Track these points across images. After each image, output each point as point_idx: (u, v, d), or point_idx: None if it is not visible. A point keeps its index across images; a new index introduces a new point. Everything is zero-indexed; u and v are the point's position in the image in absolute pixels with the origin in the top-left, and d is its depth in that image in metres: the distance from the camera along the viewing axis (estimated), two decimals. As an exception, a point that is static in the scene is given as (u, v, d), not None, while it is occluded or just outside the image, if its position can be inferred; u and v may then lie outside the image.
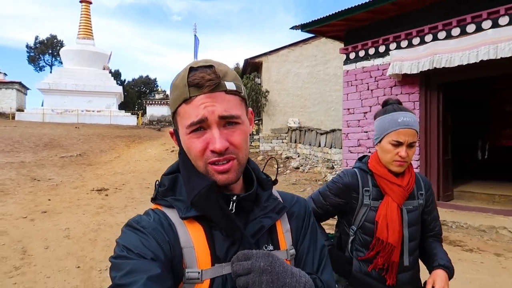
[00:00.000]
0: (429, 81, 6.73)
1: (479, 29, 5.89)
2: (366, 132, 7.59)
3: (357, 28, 7.79)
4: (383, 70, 7.23)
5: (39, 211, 6.70)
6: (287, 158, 13.48)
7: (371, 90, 7.51)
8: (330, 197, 1.57)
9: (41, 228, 5.66)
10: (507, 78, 6.69)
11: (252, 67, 15.86)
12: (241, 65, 16.14)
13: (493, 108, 9.59)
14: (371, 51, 7.50)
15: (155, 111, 32.55)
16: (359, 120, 7.73)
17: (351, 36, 7.97)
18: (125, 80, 49.42)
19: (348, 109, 7.95)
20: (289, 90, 15.18)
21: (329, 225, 3.79)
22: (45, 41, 43.97)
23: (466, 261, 4.30)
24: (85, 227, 5.75)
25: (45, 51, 43.97)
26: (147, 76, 52.59)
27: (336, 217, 1.69)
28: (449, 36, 6.26)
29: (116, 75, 44.41)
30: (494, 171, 8.56)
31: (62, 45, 40.50)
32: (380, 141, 1.50)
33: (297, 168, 11.58)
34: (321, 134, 11.64)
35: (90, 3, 30.42)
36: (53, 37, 44.43)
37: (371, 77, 7.53)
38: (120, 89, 29.85)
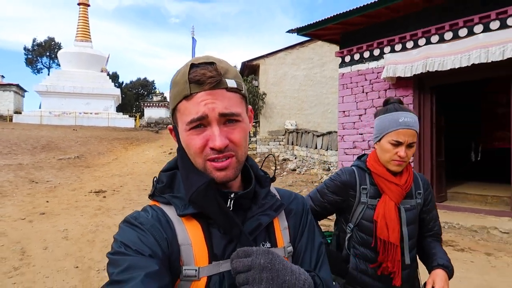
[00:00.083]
0: (422, 84, 6.85)
1: (471, 33, 6.01)
2: (361, 134, 7.69)
3: (352, 32, 7.91)
4: (378, 73, 7.35)
5: (37, 213, 6.76)
6: (284, 160, 13.57)
7: (366, 93, 7.62)
8: (328, 195, 1.58)
9: (39, 230, 5.72)
10: (499, 82, 6.82)
11: (250, 69, 15.96)
12: (238, 67, 16.23)
13: (485, 111, 9.74)
14: (366, 54, 7.62)
15: (153, 113, 32.57)
16: (354, 123, 7.84)
17: (347, 39, 8.09)
18: (123, 83, 49.47)
19: (344, 111, 8.06)
20: (286, 93, 15.27)
21: (325, 226, 3.87)
22: (43, 44, 43.96)
23: (457, 260, 4.39)
24: (83, 228, 5.82)
25: (43, 54, 43.94)
26: (145, 78, 52.67)
27: (334, 215, 1.70)
28: (441, 40, 6.38)
29: (114, 77, 44.47)
30: (487, 173, 8.68)
31: (60, 48, 40.55)
32: (379, 140, 1.50)
33: (294, 170, 11.68)
34: (318, 136, 11.74)
35: (88, 5, 30.48)
36: (51, 39, 44.44)
37: (366, 80, 7.64)
38: (118, 91, 29.88)
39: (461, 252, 4.74)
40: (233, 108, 0.72)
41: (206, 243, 0.73)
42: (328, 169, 10.45)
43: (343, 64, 8.10)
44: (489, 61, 5.52)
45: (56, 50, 40.72)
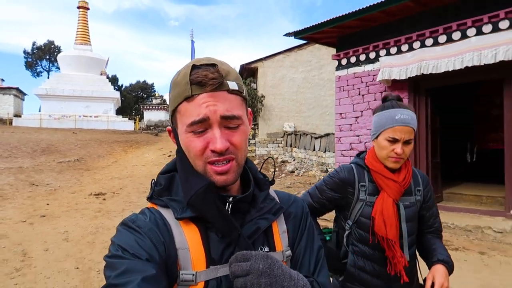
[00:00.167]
0: (417, 86, 6.95)
1: (464, 36, 6.11)
2: (358, 136, 7.79)
3: (349, 35, 8.01)
4: (374, 75, 7.44)
5: (38, 215, 6.84)
6: (283, 162, 13.66)
7: (362, 95, 7.72)
8: (327, 192, 1.58)
9: (40, 232, 5.80)
10: (492, 84, 6.94)
11: (248, 72, 16.07)
12: (237, 70, 16.35)
13: (478, 113, 9.90)
14: (362, 57, 7.72)
15: (152, 116, 32.69)
16: (351, 125, 7.93)
17: (343, 42, 8.19)
18: (122, 86, 49.63)
19: (340, 113, 8.16)
20: (285, 95, 15.38)
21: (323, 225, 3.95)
22: (43, 47, 44.13)
23: (450, 259, 4.48)
24: (84, 230, 5.90)
25: (42, 57, 44.11)
26: (144, 81, 52.87)
27: (333, 212, 1.70)
28: (436, 43, 6.48)
29: (114, 80, 44.62)
30: (482, 174, 8.78)
31: (59, 51, 40.71)
32: (376, 137, 1.51)
33: (292, 171, 11.77)
34: (316, 138, 11.84)
35: (88, 9, 30.67)
36: (51, 42, 44.62)
37: (362, 82, 7.74)
38: (117, 94, 30.01)
39: (455, 251, 4.82)
40: (234, 110, 0.72)
41: (203, 247, 0.72)
42: (326, 171, 10.53)
43: (339, 67, 8.21)
44: (482, 63, 5.61)
45: (55, 53, 40.86)
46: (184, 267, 0.71)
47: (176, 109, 0.74)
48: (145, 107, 33.80)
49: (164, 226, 0.73)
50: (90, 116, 27.32)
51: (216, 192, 0.73)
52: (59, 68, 32.15)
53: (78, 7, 30.22)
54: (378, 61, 7.29)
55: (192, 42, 22.05)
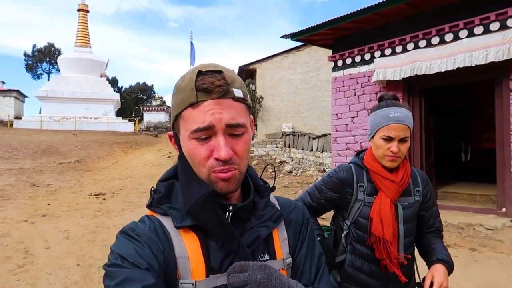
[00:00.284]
0: (411, 87, 7.08)
1: (456, 38, 6.25)
2: (354, 136, 7.91)
3: (344, 37, 8.15)
4: (369, 76, 7.58)
5: (39, 215, 6.95)
6: (281, 162, 13.79)
7: (358, 96, 7.85)
8: (325, 192, 1.58)
9: (41, 230, 5.92)
10: (484, 85, 7.08)
11: (247, 73, 16.21)
12: (236, 71, 16.51)
13: (472, 114, 10.06)
14: (357, 58, 7.86)
15: (152, 117, 32.79)
16: (347, 125, 8.06)
17: (339, 44, 8.33)
18: (122, 87, 49.78)
19: (337, 114, 8.29)
20: (283, 96, 15.52)
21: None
22: (43, 49, 44.31)
23: (441, 255, 4.60)
24: (84, 229, 6.01)
25: (42, 59, 44.29)
26: (144, 83, 53.04)
27: (333, 211, 1.71)
28: (429, 45, 6.62)
29: (113, 82, 44.77)
30: (476, 173, 8.91)
31: (59, 53, 40.86)
32: (373, 137, 1.51)
33: (290, 172, 11.89)
34: (313, 138, 11.97)
35: (87, 11, 30.85)
36: (51, 45, 44.80)
37: (357, 83, 7.87)
38: (117, 96, 30.16)
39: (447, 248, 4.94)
40: (239, 118, 0.71)
41: (203, 256, 0.72)
42: (323, 171, 10.66)
43: (335, 68, 8.34)
44: (473, 64, 5.74)
45: (56, 55, 41.05)
46: (183, 276, 0.70)
47: (179, 114, 0.73)
48: (145, 108, 33.90)
49: (163, 235, 0.72)
50: (90, 118, 27.46)
51: (216, 201, 0.72)
52: (59, 70, 32.29)
53: (78, 10, 30.41)
54: (373, 62, 7.42)
55: (192, 44, 22.20)
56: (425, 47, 6.65)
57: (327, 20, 7.81)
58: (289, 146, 14.39)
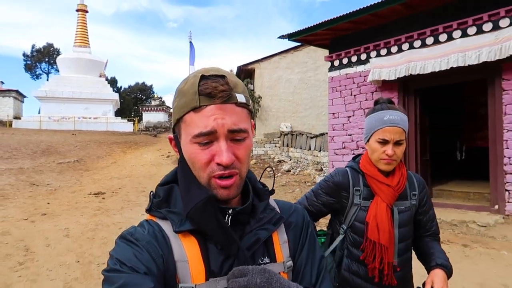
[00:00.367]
0: (406, 86, 7.18)
1: (450, 38, 6.35)
2: (350, 135, 8.01)
3: (341, 37, 8.25)
4: (365, 76, 7.67)
5: (39, 214, 7.04)
6: (279, 161, 13.89)
7: (354, 96, 7.95)
8: (322, 196, 1.59)
9: (41, 229, 6.00)
10: (478, 84, 7.19)
11: (245, 73, 16.30)
12: (234, 72, 16.61)
13: (466, 113, 10.20)
14: (354, 58, 7.96)
15: (151, 117, 32.86)
16: (343, 124, 8.16)
17: (335, 44, 8.42)
18: (121, 87, 49.84)
19: (333, 113, 8.38)
20: (281, 96, 15.60)
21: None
22: (42, 50, 44.37)
23: (434, 251, 4.70)
24: (84, 227, 6.10)
25: (41, 59, 44.35)
26: (143, 83, 53.10)
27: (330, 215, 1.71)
28: (423, 45, 6.71)
29: (113, 82, 44.81)
30: (471, 171, 9.02)
31: (58, 53, 40.90)
32: (368, 140, 1.52)
33: (288, 171, 11.99)
34: (311, 137, 12.07)
35: (86, 11, 30.90)
36: (50, 45, 44.86)
37: (354, 83, 7.97)
38: (116, 96, 30.23)
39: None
40: (241, 124, 0.72)
41: (203, 259, 0.72)
42: (321, 170, 10.76)
43: (332, 68, 8.44)
44: (466, 64, 5.85)
45: (55, 55, 41.11)
46: (183, 280, 0.70)
47: (181, 118, 0.73)
48: (144, 108, 33.98)
49: (162, 239, 0.72)
50: (89, 118, 27.53)
51: (216, 205, 0.72)
52: (58, 71, 32.39)
53: (77, 10, 30.46)
54: (369, 62, 7.52)
55: (191, 44, 22.26)
56: (419, 47, 6.75)
57: (324, 21, 7.90)
58: (287, 146, 14.48)
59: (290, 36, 8.70)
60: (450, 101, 10.17)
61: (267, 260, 0.77)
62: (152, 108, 33.22)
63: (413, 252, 1.64)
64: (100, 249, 5.03)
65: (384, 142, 1.43)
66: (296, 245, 0.84)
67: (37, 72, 45.25)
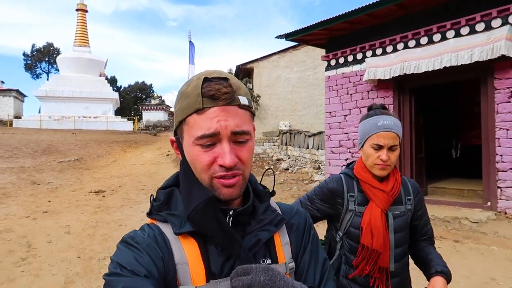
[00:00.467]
0: (401, 85, 7.30)
1: (444, 38, 6.46)
2: (347, 133, 8.13)
3: (337, 37, 8.35)
4: (361, 75, 7.79)
5: (41, 211, 7.16)
6: (278, 160, 14.02)
7: (350, 95, 8.07)
8: (316, 202, 1.59)
9: (43, 226, 6.13)
10: (472, 83, 7.30)
11: (244, 73, 16.41)
12: (233, 71, 16.73)
13: (461, 112, 10.33)
14: (350, 58, 8.07)
15: (151, 116, 32.98)
16: (340, 123, 8.27)
17: (332, 44, 8.53)
18: (121, 86, 50.00)
19: (330, 112, 8.50)
20: (280, 95, 15.72)
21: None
22: (42, 49, 44.50)
23: (426, 246, 4.82)
24: (84, 224, 6.22)
25: (41, 59, 44.49)
26: (143, 82, 53.28)
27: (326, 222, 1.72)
28: (418, 45, 6.83)
29: (112, 81, 44.95)
30: (466, 169, 9.15)
31: (58, 53, 41.04)
32: (362, 146, 1.52)
33: (287, 169, 12.11)
34: (309, 136, 12.19)
35: (86, 11, 31.02)
36: (50, 45, 45.00)
37: (350, 82, 8.08)
38: (116, 95, 30.36)
39: (431, 240, 5.16)
40: (244, 126, 0.72)
41: (203, 261, 0.72)
42: (318, 168, 10.88)
43: (329, 67, 8.55)
44: (459, 64, 5.96)
45: (55, 55, 41.24)
46: (183, 283, 0.70)
47: (184, 120, 0.73)
48: (144, 107, 34.09)
49: (163, 242, 0.72)
50: (90, 117, 27.67)
51: (217, 206, 0.72)
52: (58, 70, 32.53)
53: (77, 10, 30.58)
54: (365, 61, 7.63)
55: (191, 43, 22.36)
56: (414, 47, 6.86)
57: (320, 21, 8.01)
58: (286, 144, 14.60)
59: (287, 36, 8.81)
60: (445, 100, 10.31)
61: (268, 261, 0.77)
62: (152, 107, 33.34)
63: (409, 257, 1.65)
64: (101, 245, 5.15)
65: (378, 148, 1.44)
66: (298, 247, 0.84)
67: (37, 72, 45.45)
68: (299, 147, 13.12)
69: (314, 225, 1.56)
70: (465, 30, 6.21)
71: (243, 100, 0.72)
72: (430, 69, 6.29)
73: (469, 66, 5.98)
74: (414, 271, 1.64)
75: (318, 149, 11.36)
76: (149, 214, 0.78)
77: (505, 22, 5.77)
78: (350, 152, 8.04)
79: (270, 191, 0.85)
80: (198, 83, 0.71)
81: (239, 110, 0.72)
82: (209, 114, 0.69)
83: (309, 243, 0.85)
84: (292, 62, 15.87)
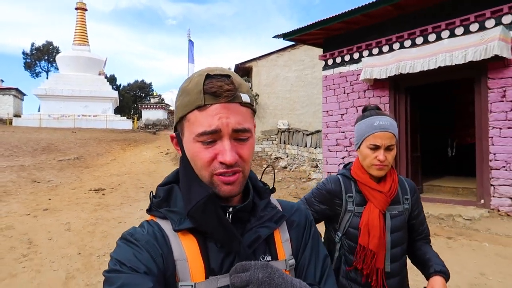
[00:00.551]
0: (397, 85, 7.39)
1: (438, 38, 6.55)
2: (343, 132, 8.22)
3: (334, 37, 8.44)
4: (358, 75, 7.88)
5: (41, 209, 7.26)
6: (276, 158, 14.11)
7: (347, 94, 8.16)
8: (315, 204, 1.59)
9: (44, 223, 6.22)
10: (467, 83, 7.40)
11: (243, 71, 16.49)
12: (232, 69, 16.81)
13: (457, 111, 10.45)
14: (347, 57, 8.16)
15: (150, 115, 33.04)
16: (337, 121, 8.37)
17: (329, 44, 8.62)
18: (120, 85, 49.97)
19: (327, 111, 8.59)
20: (279, 93, 15.80)
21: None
22: (41, 48, 44.52)
23: (419, 243, 4.93)
24: (84, 221, 6.32)
25: (41, 58, 44.51)
26: (143, 80, 53.25)
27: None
28: (413, 45, 6.92)
29: (112, 80, 44.98)
30: (461, 167, 9.27)
31: (58, 52, 41.08)
32: (359, 147, 1.53)
33: (285, 167, 12.21)
34: (307, 135, 12.29)
35: (85, 10, 31.05)
36: (49, 43, 45.01)
37: (347, 81, 8.18)
38: (115, 94, 30.42)
39: (425, 237, 5.26)
40: (245, 123, 0.72)
41: (202, 257, 0.72)
42: (316, 166, 10.98)
43: (326, 66, 8.64)
44: (453, 64, 6.05)
45: (54, 54, 41.26)
46: (182, 279, 0.70)
47: (185, 116, 0.73)
48: (143, 106, 34.14)
49: (162, 238, 0.72)
50: (89, 116, 27.74)
51: (217, 202, 0.72)
52: (57, 69, 32.55)
53: (76, 8, 30.61)
54: (362, 61, 7.72)
55: (190, 42, 22.40)
56: (410, 47, 6.95)
57: (317, 21, 8.09)
58: (284, 143, 14.70)
59: (285, 36, 8.90)
60: (441, 100, 10.43)
61: (268, 258, 0.77)
62: (151, 106, 33.39)
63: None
64: (101, 242, 5.25)
65: (375, 148, 1.45)
66: (299, 244, 0.84)
67: (37, 70, 45.47)
68: (298, 145, 13.22)
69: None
70: (459, 31, 6.30)
71: (245, 98, 0.72)
72: (425, 69, 6.38)
73: (463, 66, 6.08)
74: (410, 270, 1.65)
75: (316, 148, 11.46)
76: (149, 211, 0.78)
77: (498, 23, 5.86)
78: (347, 150, 8.14)
79: (270, 188, 0.85)
80: (200, 79, 0.71)
81: (241, 108, 0.72)
82: (210, 111, 0.69)
83: (309, 240, 0.85)
84: (291, 61, 15.95)
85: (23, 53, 44.91)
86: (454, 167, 9.76)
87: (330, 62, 8.53)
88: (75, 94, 27.69)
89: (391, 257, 1.49)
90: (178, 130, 0.78)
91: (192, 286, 0.69)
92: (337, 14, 7.66)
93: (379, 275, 1.46)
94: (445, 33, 6.48)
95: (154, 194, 0.80)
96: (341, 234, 1.54)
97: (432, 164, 9.48)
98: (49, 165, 12.96)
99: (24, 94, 33.00)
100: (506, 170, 5.90)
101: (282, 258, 0.79)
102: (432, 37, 6.65)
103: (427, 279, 1.46)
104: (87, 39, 30.77)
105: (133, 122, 30.81)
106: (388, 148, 1.45)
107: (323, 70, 8.73)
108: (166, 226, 0.74)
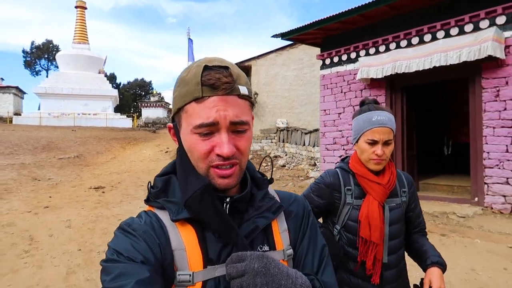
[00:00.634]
0: (393, 84, 7.48)
1: (434, 38, 6.64)
2: (341, 131, 8.32)
3: (331, 37, 8.52)
4: (355, 74, 7.97)
5: (42, 207, 7.36)
6: (275, 157, 14.20)
7: (344, 93, 8.25)
8: (314, 199, 1.59)
9: (44, 220, 6.33)
10: (463, 82, 7.48)
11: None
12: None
13: (452, 110, 10.54)
14: (344, 57, 8.24)
15: (150, 113, 33.08)
16: (334, 120, 8.46)
17: (327, 43, 8.70)
18: (120, 83, 50.03)
19: (325, 110, 8.68)
20: (277, 92, 15.88)
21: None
22: (41, 46, 44.55)
23: (413, 240, 5.02)
24: (85, 218, 6.42)
25: (41, 56, 44.55)
26: (142, 79, 53.31)
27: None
28: (409, 45, 7.01)
29: (112, 78, 45.05)
30: (457, 166, 9.37)
31: (58, 50, 41.14)
32: (357, 141, 1.53)
33: (284, 166, 12.30)
34: (306, 133, 12.38)
35: (85, 8, 31.07)
36: (49, 42, 45.03)
37: (344, 81, 8.27)
38: (115, 92, 30.48)
39: (419, 234, 5.36)
40: (243, 116, 0.71)
41: (200, 247, 0.72)
42: (314, 164, 11.08)
43: (323, 66, 8.72)
44: (448, 64, 6.14)
45: (54, 52, 41.31)
46: (180, 268, 0.70)
47: (182, 108, 0.72)
48: (143, 104, 34.18)
49: (160, 228, 0.72)
50: (89, 114, 27.81)
51: (213, 193, 0.72)
52: (57, 67, 32.62)
53: (76, 7, 30.64)
54: (359, 61, 7.80)
55: (190, 40, 22.45)
56: (406, 46, 7.04)
57: (315, 21, 8.18)
58: (283, 141, 14.79)
59: (283, 35, 8.98)
60: (436, 99, 10.52)
61: (266, 248, 0.77)
62: (151, 104, 33.43)
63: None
64: (101, 238, 5.35)
65: (373, 143, 1.46)
66: (297, 234, 0.84)
67: (37, 69, 45.52)
68: (296, 144, 13.31)
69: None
70: (454, 31, 6.39)
71: (243, 90, 0.72)
72: (421, 69, 6.47)
73: (458, 66, 6.17)
74: (409, 267, 1.68)
75: (314, 146, 11.55)
76: (147, 201, 0.78)
77: (492, 24, 5.95)
78: (344, 149, 8.23)
79: (268, 178, 0.85)
80: (198, 70, 0.70)
81: (239, 100, 0.71)
82: (208, 103, 0.69)
83: (307, 229, 0.85)
84: (290, 60, 16.02)
85: (23, 51, 45.08)
86: (450, 166, 9.88)
87: (327, 61, 8.61)
88: (75, 93, 27.76)
89: (388, 249, 1.50)
90: (175, 120, 0.77)
91: (190, 275, 0.70)
92: (334, 14, 7.74)
93: (378, 266, 1.48)
94: (440, 34, 6.56)
95: (152, 184, 0.80)
96: (340, 227, 1.55)
97: (427, 162, 9.57)
98: (49, 163, 13.06)
99: (24, 93, 33.01)
100: (499, 168, 5.99)
101: (280, 248, 0.79)
102: (427, 37, 6.74)
103: (424, 270, 1.48)
104: (87, 38, 30.82)
105: (133, 120, 30.88)
106: (386, 143, 1.46)
107: (320, 69, 8.82)
108: (164, 216, 0.74)
